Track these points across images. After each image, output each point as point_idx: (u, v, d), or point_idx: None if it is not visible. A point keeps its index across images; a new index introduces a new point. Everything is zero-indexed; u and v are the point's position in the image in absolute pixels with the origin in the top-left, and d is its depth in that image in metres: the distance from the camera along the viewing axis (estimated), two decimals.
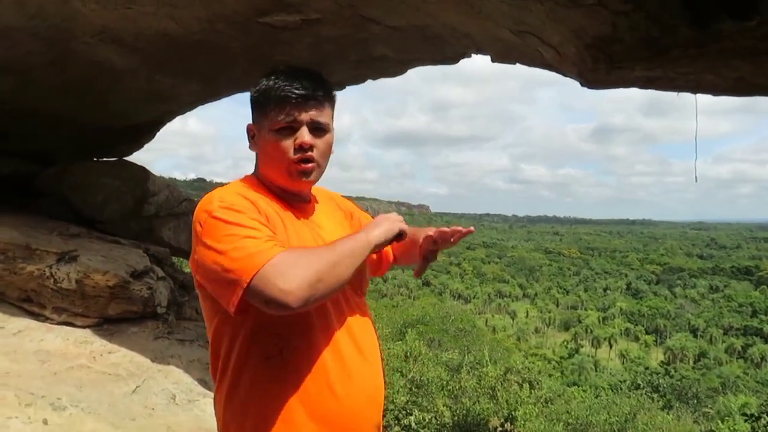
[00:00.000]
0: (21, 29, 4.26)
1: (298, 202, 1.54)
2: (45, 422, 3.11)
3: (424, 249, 1.68)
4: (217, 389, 1.44)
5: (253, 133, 1.52)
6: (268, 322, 1.35)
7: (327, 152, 1.51)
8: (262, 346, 1.37)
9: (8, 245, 4.65)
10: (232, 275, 1.25)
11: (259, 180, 1.52)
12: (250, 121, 1.52)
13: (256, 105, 1.49)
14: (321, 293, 1.26)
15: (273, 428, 1.34)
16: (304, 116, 1.43)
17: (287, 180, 1.47)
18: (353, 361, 1.43)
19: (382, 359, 1.59)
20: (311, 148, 1.44)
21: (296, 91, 1.42)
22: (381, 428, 1.52)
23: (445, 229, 1.65)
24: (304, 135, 1.43)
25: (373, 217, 1.66)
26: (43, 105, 5.50)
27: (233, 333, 1.39)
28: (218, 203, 1.34)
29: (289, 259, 1.25)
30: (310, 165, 1.45)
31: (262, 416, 1.35)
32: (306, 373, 1.37)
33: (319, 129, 1.46)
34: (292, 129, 1.43)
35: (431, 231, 1.66)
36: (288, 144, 1.43)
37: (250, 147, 1.53)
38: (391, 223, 1.51)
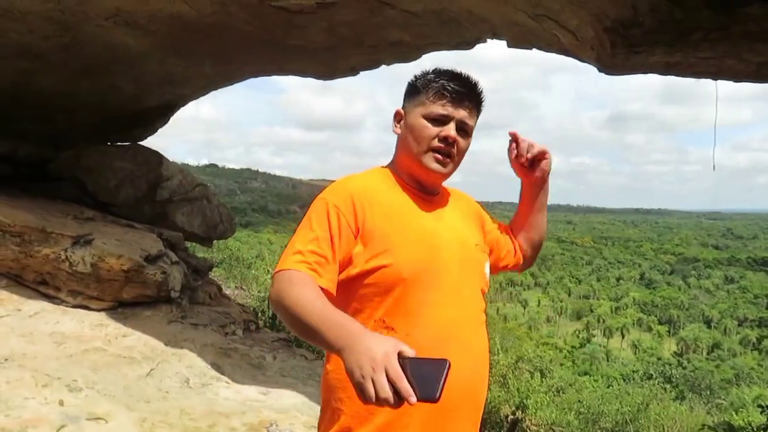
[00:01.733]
0: (37, 13, 4.27)
1: (427, 194, 1.58)
2: (61, 403, 3.14)
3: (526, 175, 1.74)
4: None
5: (400, 117, 1.59)
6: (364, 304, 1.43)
7: (464, 153, 1.57)
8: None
9: (24, 228, 4.69)
10: (280, 259, 1.41)
11: (392, 170, 1.59)
12: (400, 107, 1.59)
13: (413, 92, 1.56)
14: (282, 319, 1.34)
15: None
16: (456, 113, 1.51)
17: (420, 166, 1.53)
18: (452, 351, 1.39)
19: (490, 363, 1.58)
20: (454, 143, 1.51)
21: (457, 88, 1.50)
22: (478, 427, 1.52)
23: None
24: (451, 129, 1.51)
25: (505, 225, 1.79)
26: (59, 89, 5.52)
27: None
28: (323, 198, 1.46)
29: (290, 279, 1.33)
30: (446, 158, 1.52)
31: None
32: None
33: (464, 130, 1.53)
34: (442, 122, 1.51)
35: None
36: (434, 132, 1.51)
37: (394, 130, 1.60)
38: (363, 370, 1.06)
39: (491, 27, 3.97)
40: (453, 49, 4.84)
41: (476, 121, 1.59)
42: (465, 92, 1.52)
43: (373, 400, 1.02)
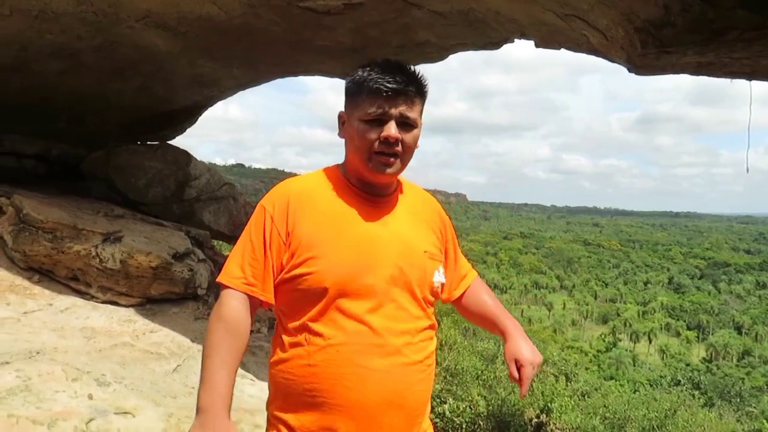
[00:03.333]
0: (71, 15, 4.36)
1: (376, 195, 1.56)
2: (90, 397, 3.20)
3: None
4: None
5: (343, 120, 1.56)
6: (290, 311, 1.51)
7: (412, 147, 1.52)
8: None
9: (57, 225, 4.79)
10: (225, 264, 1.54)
11: (340, 170, 1.59)
12: (342, 109, 1.57)
13: (349, 94, 1.54)
14: None
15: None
16: (394, 110, 1.46)
17: (367, 170, 1.50)
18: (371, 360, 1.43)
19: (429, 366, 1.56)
20: (397, 142, 1.47)
21: (388, 85, 1.45)
22: None
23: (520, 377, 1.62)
24: (391, 129, 1.46)
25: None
26: (91, 90, 5.64)
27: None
28: (262, 205, 1.54)
29: (219, 310, 1.47)
30: (391, 159, 1.48)
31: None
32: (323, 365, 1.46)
33: (406, 124, 1.48)
34: (380, 121, 1.46)
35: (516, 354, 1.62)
36: (374, 135, 1.46)
37: (339, 134, 1.58)
38: None
39: (519, 27, 3.94)
40: (480, 50, 4.82)
41: (422, 108, 1.54)
42: (398, 87, 1.45)
43: None
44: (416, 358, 1.48)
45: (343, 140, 1.58)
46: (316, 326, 1.43)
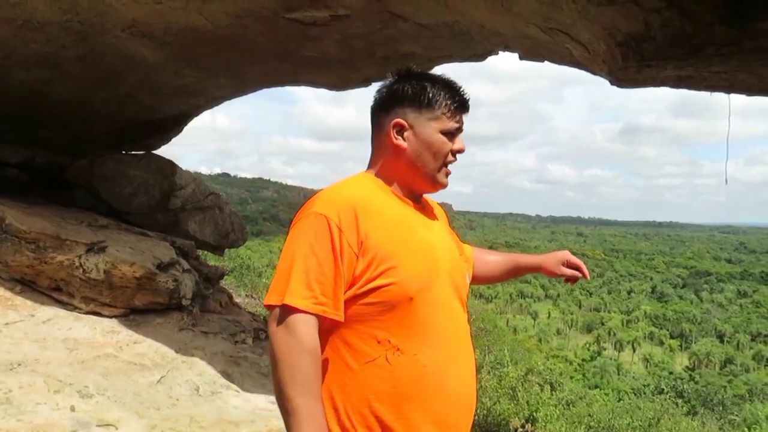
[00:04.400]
0: (55, 24, 4.35)
1: (417, 202, 1.57)
2: (72, 409, 3.17)
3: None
4: None
5: (405, 128, 1.50)
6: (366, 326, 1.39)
7: None
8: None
9: (40, 235, 4.74)
10: (276, 283, 1.35)
11: (379, 178, 1.53)
12: (397, 117, 1.51)
13: (422, 103, 1.50)
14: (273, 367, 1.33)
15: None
16: (463, 125, 1.55)
17: (434, 180, 1.53)
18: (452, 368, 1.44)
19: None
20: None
21: (466, 100, 1.54)
22: None
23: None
24: (462, 142, 1.54)
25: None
26: (76, 98, 5.61)
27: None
28: (322, 214, 1.37)
29: (300, 339, 1.29)
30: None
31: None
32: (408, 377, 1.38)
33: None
34: (452, 134, 1.52)
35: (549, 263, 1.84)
36: (450, 146, 1.52)
37: (396, 142, 1.51)
38: None
39: (503, 40, 4.00)
40: (464, 62, 4.87)
41: None
42: (468, 102, 1.55)
43: None
44: (473, 360, 1.53)
45: (389, 147, 1.53)
46: (400, 340, 1.36)
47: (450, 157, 1.52)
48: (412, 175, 1.52)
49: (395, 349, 1.36)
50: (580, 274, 1.82)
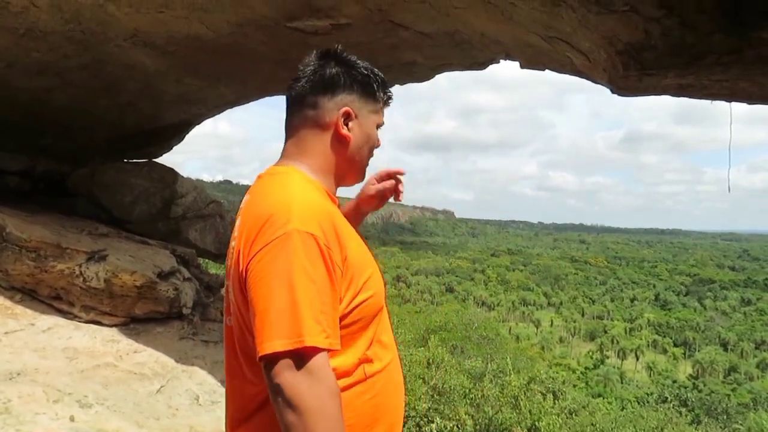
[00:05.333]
0: (58, 33, 4.36)
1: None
2: (72, 419, 3.16)
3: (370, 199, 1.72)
4: None
5: (349, 117, 1.40)
6: None
7: None
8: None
9: (40, 243, 4.74)
10: (280, 322, 1.12)
11: (310, 175, 1.37)
12: (345, 106, 1.39)
13: (369, 93, 1.42)
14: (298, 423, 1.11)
15: None
16: None
17: (360, 176, 1.49)
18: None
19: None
20: None
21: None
22: None
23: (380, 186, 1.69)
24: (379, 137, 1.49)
25: None
26: (77, 106, 5.63)
27: None
28: (310, 234, 1.18)
29: (330, 389, 1.12)
30: None
31: None
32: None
33: None
34: (377, 130, 1.49)
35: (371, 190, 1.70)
36: (378, 143, 1.48)
37: (342, 131, 1.39)
38: None
39: (504, 48, 4.00)
40: (466, 70, 4.88)
41: None
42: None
43: None
44: None
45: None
46: (370, 353, 1.29)
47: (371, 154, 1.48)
48: (348, 168, 1.43)
49: (368, 361, 1.29)
50: (393, 184, 1.69)
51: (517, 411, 9.17)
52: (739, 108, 3.44)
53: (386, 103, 1.47)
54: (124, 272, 4.70)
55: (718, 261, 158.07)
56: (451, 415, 8.12)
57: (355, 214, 1.72)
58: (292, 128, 1.42)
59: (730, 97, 3.20)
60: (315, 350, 1.11)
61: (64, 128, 6.07)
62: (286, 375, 1.08)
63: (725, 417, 36.37)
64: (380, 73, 1.45)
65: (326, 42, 4.73)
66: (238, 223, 1.32)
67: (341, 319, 1.21)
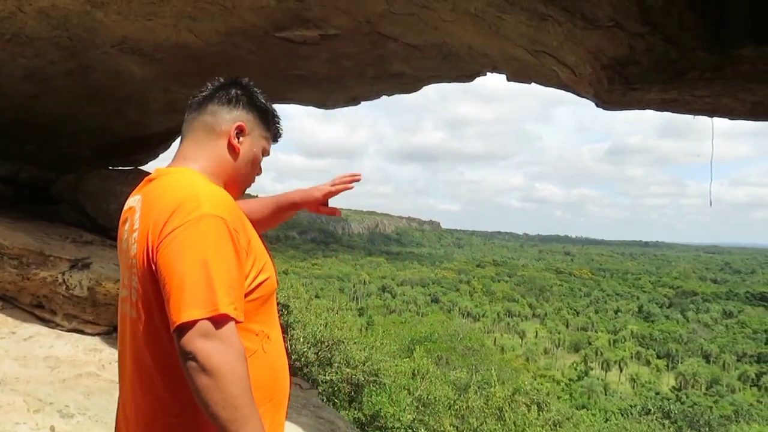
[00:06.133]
0: (44, 39, 4.34)
1: None
2: (52, 429, 3.11)
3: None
4: None
5: (242, 132, 1.58)
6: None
7: None
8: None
9: (23, 251, 4.69)
10: (194, 293, 1.23)
11: (203, 174, 1.51)
12: (241, 120, 1.58)
13: (262, 119, 1.63)
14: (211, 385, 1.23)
15: None
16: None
17: (242, 190, 1.63)
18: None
19: None
20: None
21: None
22: None
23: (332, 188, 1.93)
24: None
25: None
26: (63, 113, 5.58)
27: None
28: (221, 218, 1.33)
29: (240, 352, 1.25)
30: None
31: None
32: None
33: None
34: (262, 158, 1.66)
35: (318, 193, 1.92)
36: (259, 169, 1.67)
37: (233, 142, 1.56)
38: None
39: (491, 61, 4.04)
40: (453, 82, 4.92)
41: None
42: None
43: None
44: None
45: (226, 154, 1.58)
46: (266, 328, 1.46)
47: (255, 175, 1.65)
48: (233, 178, 1.59)
49: (266, 337, 1.45)
50: (337, 211, 1.96)
51: (502, 422, 9.18)
52: (722, 122, 3.50)
53: (275, 137, 1.68)
54: (108, 280, 4.66)
55: (701, 273, 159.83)
56: (435, 427, 8.10)
57: (281, 208, 1.95)
58: (190, 130, 1.58)
59: (712, 112, 3.26)
60: (227, 318, 1.24)
61: (50, 135, 6.01)
62: (201, 341, 1.20)
63: (707, 429, 36.62)
64: (277, 111, 1.68)
65: (315, 52, 4.74)
66: (137, 216, 1.47)
67: (248, 294, 1.37)
